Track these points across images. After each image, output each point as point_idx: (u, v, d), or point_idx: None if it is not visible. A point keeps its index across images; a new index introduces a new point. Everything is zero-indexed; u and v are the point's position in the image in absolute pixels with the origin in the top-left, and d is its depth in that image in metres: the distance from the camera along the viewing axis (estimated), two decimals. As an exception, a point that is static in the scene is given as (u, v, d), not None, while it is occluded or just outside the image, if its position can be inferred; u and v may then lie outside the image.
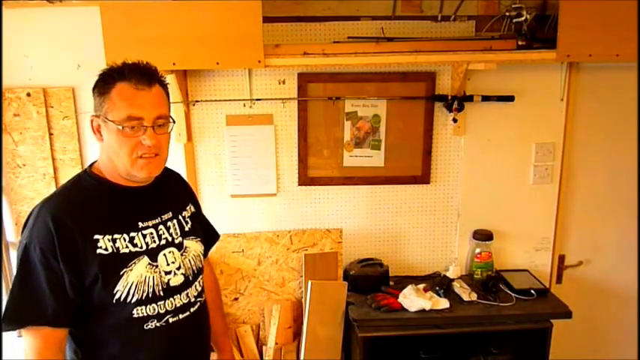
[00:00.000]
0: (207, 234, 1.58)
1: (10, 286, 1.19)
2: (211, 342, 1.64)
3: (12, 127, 2.10)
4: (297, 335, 2.28)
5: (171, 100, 2.13)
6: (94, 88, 1.24)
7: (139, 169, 1.23)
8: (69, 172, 2.15)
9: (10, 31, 2.04)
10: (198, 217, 1.51)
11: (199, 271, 1.42)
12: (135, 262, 1.25)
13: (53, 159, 2.15)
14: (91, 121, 1.25)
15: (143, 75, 1.21)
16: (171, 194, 1.42)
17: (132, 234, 1.27)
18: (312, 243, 2.29)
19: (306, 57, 1.93)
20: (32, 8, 2.02)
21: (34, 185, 2.15)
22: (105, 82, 1.21)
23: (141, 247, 1.27)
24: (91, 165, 1.33)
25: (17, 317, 1.18)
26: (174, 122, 1.29)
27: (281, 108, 2.21)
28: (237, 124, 2.21)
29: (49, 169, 2.15)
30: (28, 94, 2.09)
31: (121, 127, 1.19)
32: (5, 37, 2.04)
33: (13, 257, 2.20)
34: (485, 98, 2.18)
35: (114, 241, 1.23)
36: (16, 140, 2.11)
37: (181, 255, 1.35)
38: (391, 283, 2.26)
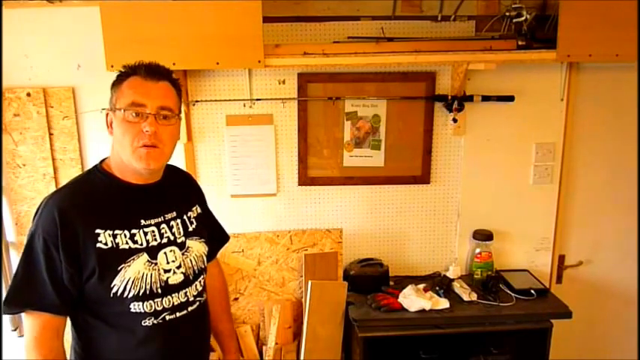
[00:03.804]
0: (215, 235, 1.59)
1: (14, 272, 1.24)
2: (217, 343, 1.66)
3: (12, 127, 2.10)
4: (297, 335, 2.28)
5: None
6: (111, 85, 1.31)
7: (138, 159, 1.26)
8: (69, 172, 2.15)
9: (10, 31, 2.04)
10: (206, 219, 1.53)
11: (201, 272, 1.43)
12: (133, 259, 1.27)
13: (53, 159, 2.15)
14: (106, 115, 1.31)
15: (153, 71, 1.28)
16: (177, 194, 1.44)
17: (133, 231, 1.29)
18: (312, 243, 2.29)
19: (306, 57, 1.94)
20: (32, 8, 2.02)
21: (34, 185, 2.15)
22: (119, 77, 1.29)
23: (141, 245, 1.29)
24: (103, 160, 1.36)
25: (18, 301, 1.23)
26: (179, 116, 1.33)
27: (281, 108, 2.21)
28: (237, 124, 2.21)
29: (49, 169, 2.15)
30: (28, 94, 2.09)
31: (123, 111, 1.24)
32: (5, 37, 2.04)
33: (13, 257, 2.20)
34: (486, 98, 2.18)
35: (114, 236, 1.26)
36: (16, 140, 2.11)
37: (182, 254, 1.37)
38: (391, 283, 2.26)
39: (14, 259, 2.19)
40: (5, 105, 2.08)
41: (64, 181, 2.14)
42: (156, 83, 1.27)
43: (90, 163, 2.14)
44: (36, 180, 2.15)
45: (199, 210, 1.49)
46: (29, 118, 2.10)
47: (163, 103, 1.27)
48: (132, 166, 1.28)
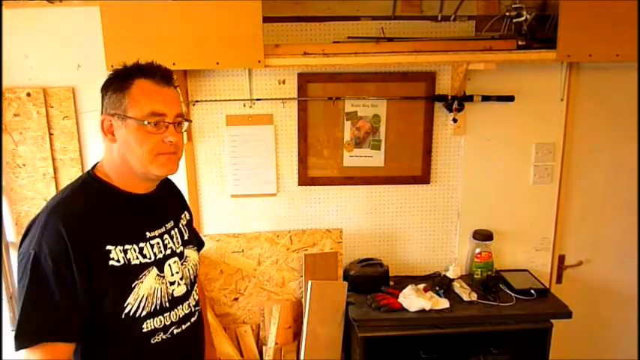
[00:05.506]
0: (196, 241, 1.54)
1: (21, 301, 1.10)
2: None
3: (12, 127, 2.10)
4: (297, 335, 2.28)
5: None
6: (107, 87, 1.20)
7: (160, 166, 1.19)
8: (69, 172, 2.15)
9: (10, 31, 2.04)
10: (192, 225, 1.49)
11: (195, 280, 1.39)
12: (145, 274, 1.20)
13: (53, 159, 2.15)
14: (102, 122, 1.19)
15: (163, 74, 1.20)
16: (169, 202, 1.39)
17: (141, 244, 1.22)
18: (312, 243, 2.29)
19: (306, 57, 1.93)
20: (32, 8, 2.02)
21: (34, 185, 2.15)
22: (122, 79, 1.18)
23: (150, 258, 1.23)
24: (94, 167, 1.26)
25: (32, 335, 1.09)
26: (189, 122, 1.28)
27: (281, 108, 2.21)
28: (237, 124, 2.21)
29: (49, 169, 2.14)
30: (28, 94, 2.08)
31: (145, 123, 1.15)
32: (5, 37, 2.04)
33: (13, 257, 2.19)
34: (486, 98, 2.18)
35: (125, 252, 1.18)
36: (16, 140, 2.11)
37: (182, 264, 1.32)
38: (391, 283, 2.26)
39: (14, 259, 2.19)
40: (5, 105, 2.08)
41: (64, 181, 2.14)
42: (169, 89, 1.21)
43: (90, 163, 2.13)
44: (36, 180, 2.15)
45: (187, 217, 1.45)
46: (29, 118, 2.10)
47: (179, 110, 1.22)
48: (148, 173, 1.20)
